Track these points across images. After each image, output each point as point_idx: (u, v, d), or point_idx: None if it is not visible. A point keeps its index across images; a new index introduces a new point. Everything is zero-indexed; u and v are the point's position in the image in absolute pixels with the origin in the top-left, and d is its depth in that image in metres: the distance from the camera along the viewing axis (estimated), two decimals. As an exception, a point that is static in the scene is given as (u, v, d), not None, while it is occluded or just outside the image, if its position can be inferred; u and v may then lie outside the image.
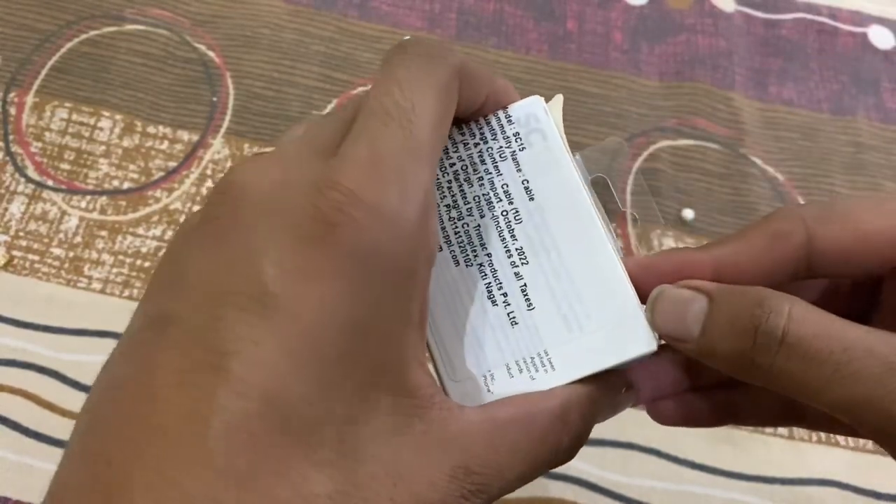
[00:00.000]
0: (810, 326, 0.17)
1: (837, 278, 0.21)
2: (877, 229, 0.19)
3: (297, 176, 0.17)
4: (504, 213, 0.21)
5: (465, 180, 0.22)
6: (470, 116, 0.22)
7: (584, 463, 0.35)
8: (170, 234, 0.39)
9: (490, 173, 0.22)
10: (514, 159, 0.22)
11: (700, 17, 0.50)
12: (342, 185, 0.16)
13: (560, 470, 0.35)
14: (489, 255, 0.21)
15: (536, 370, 0.20)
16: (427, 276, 0.18)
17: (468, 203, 0.21)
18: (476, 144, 0.22)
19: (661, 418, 0.23)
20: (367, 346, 0.16)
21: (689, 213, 0.42)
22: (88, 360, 0.35)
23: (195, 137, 0.42)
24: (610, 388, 0.21)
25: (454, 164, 0.22)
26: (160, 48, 0.45)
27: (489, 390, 0.20)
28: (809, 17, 0.51)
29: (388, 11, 0.48)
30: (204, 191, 0.40)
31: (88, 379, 0.35)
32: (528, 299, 0.21)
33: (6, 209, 0.39)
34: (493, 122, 0.22)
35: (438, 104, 0.18)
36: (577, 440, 0.20)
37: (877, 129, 0.47)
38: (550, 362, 0.20)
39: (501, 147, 0.22)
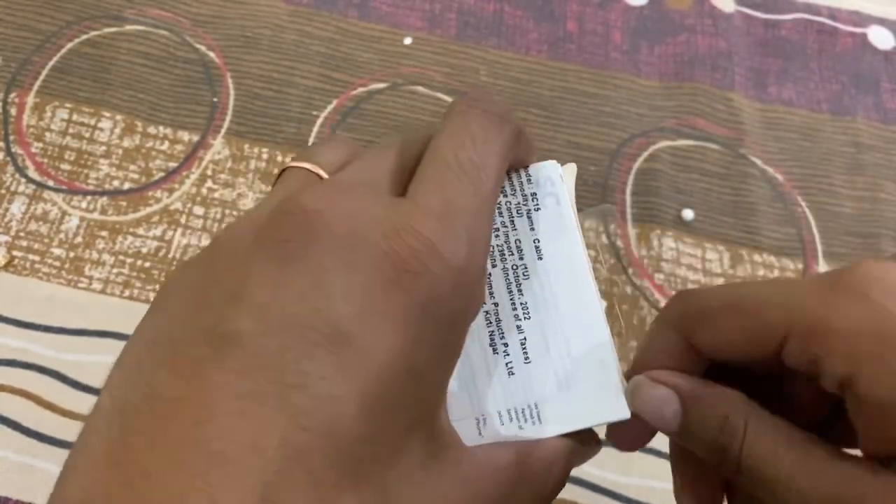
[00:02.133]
0: (761, 451, 0.19)
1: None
2: (730, 339, 0.20)
3: (371, 213, 0.17)
4: (514, 268, 0.22)
5: None
6: None
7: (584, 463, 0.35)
8: (170, 234, 0.39)
9: (506, 227, 0.23)
10: (528, 217, 0.23)
11: (700, 17, 0.50)
12: (420, 234, 0.16)
13: (560, 470, 0.35)
14: (496, 304, 0.22)
15: (525, 421, 0.22)
16: (469, 327, 0.19)
17: None
18: (498, 198, 0.23)
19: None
20: (418, 393, 0.17)
21: (688, 214, 0.42)
22: (89, 360, 0.35)
23: (195, 138, 0.42)
24: (585, 442, 0.22)
25: None
26: (161, 49, 0.45)
27: (480, 433, 0.21)
28: (809, 17, 0.51)
29: (388, 12, 0.48)
30: (204, 191, 0.41)
31: (89, 379, 0.35)
32: (525, 353, 0.22)
33: (7, 209, 0.39)
34: (515, 179, 0.23)
35: (504, 164, 0.19)
36: (557, 487, 0.21)
37: (876, 129, 0.47)
38: (539, 416, 0.22)
39: (519, 203, 0.23)
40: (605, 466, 0.35)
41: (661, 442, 0.36)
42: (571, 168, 0.24)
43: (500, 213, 0.23)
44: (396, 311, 0.16)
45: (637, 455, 0.36)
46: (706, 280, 0.41)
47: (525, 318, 0.22)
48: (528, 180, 0.23)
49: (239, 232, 0.18)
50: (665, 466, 0.36)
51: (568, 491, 0.35)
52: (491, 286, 0.22)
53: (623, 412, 0.22)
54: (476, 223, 0.18)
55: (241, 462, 0.14)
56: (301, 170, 0.19)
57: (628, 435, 0.23)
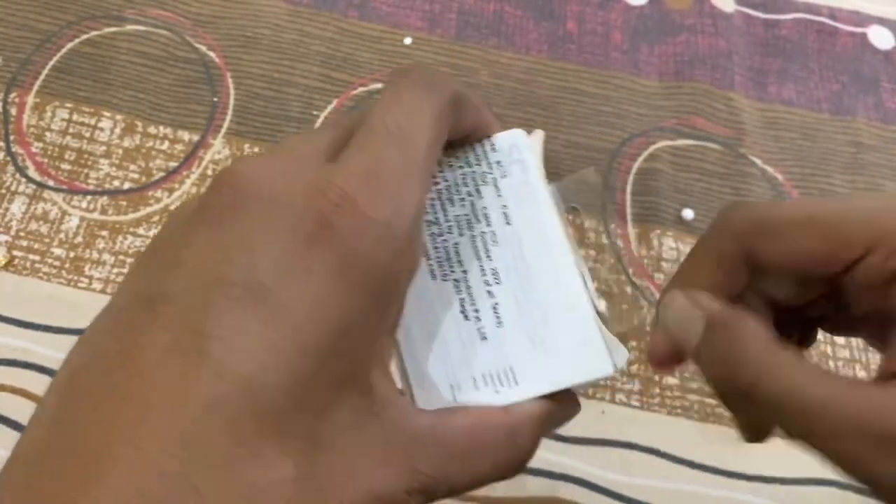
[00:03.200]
0: (782, 384, 0.19)
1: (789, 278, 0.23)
2: (807, 250, 0.21)
3: (297, 175, 0.18)
4: (482, 234, 0.23)
5: (447, 199, 0.23)
6: (458, 141, 0.23)
7: (583, 462, 0.35)
8: (170, 234, 0.39)
9: (472, 195, 0.23)
10: (495, 185, 0.23)
11: (700, 17, 0.50)
12: (342, 190, 0.17)
13: (560, 469, 0.35)
14: (465, 271, 0.22)
15: (501, 384, 0.21)
16: (406, 288, 0.19)
17: (449, 221, 0.23)
18: (461, 167, 0.23)
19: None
20: (343, 347, 0.17)
21: (688, 213, 0.42)
22: (89, 359, 0.35)
23: (196, 138, 0.42)
24: (562, 404, 0.22)
25: (439, 183, 0.23)
26: (161, 49, 0.45)
27: (454, 400, 0.21)
28: (809, 17, 0.51)
29: (389, 12, 0.48)
30: (205, 191, 0.41)
31: (89, 379, 0.35)
32: (498, 317, 0.22)
33: (7, 209, 0.39)
34: (479, 149, 0.23)
35: (434, 128, 0.19)
36: (524, 456, 0.21)
37: (876, 129, 0.47)
38: (514, 378, 0.21)
39: (484, 172, 0.23)
40: (605, 466, 0.35)
41: (661, 441, 0.36)
42: (538, 134, 0.24)
43: (466, 184, 0.23)
44: (317, 265, 0.16)
45: (637, 455, 0.36)
46: (706, 280, 0.41)
47: (496, 283, 0.22)
48: (493, 149, 0.23)
49: (184, 205, 0.19)
50: (665, 466, 0.36)
51: (568, 491, 0.35)
52: (459, 255, 0.22)
53: (606, 368, 0.22)
54: (403, 184, 0.18)
55: (164, 412, 0.15)
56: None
57: (661, 352, 0.23)
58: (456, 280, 0.22)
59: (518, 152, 0.23)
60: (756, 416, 0.21)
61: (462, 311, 0.22)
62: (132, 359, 0.16)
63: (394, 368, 0.20)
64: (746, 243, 0.22)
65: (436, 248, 0.22)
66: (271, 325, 0.16)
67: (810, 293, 0.23)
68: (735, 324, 0.21)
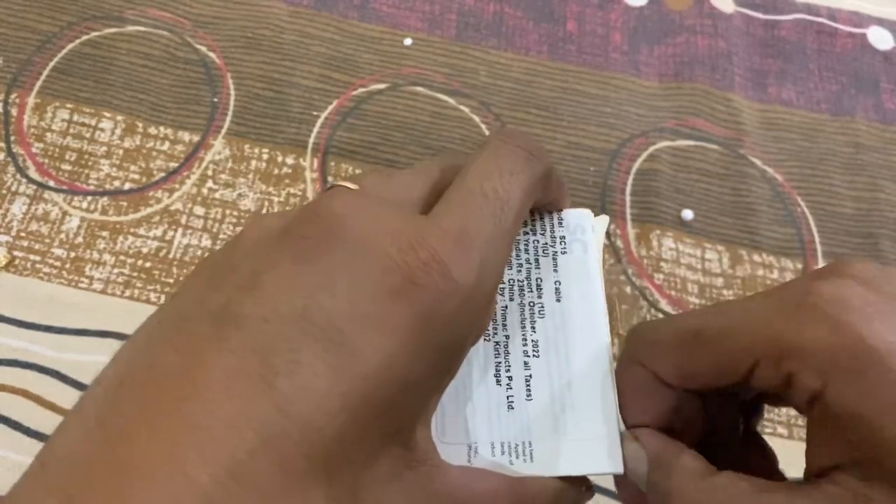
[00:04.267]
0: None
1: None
2: (698, 369, 0.21)
3: (391, 223, 0.18)
4: (531, 304, 0.23)
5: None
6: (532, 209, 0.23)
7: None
8: (170, 234, 0.39)
9: (530, 264, 0.23)
10: (553, 259, 0.23)
11: (699, 18, 0.50)
12: (434, 250, 0.17)
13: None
14: (507, 336, 0.22)
15: (517, 457, 0.22)
16: (469, 350, 0.19)
17: (503, 284, 0.23)
18: (526, 234, 0.24)
19: None
20: (401, 403, 0.17)
21: (688, 214, 0.42)
22: (90, 360, 0.35)
23: (196, 138, 0.42)
24: (574, 487, 0.22)
25: None
26: (161, 49, 0.45)
27: (469, 461, 0.21)
28: (809, 17, 0.51)
29: (389, 13, 0.48)
30: (205, 191, 0.41)
31: (90, 379, 0.35)
32: (528, 390, 0.22)
33: (8, 210, 0.39)
34: (547, 220, 0.24)
35: (528, 200, 0.20)
36: None
37: (876, 129, 0.47)
38: (531, 454, 0.22)
39: (546, 244, 0.23)
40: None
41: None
42: (604, 220, 0.24)
43: (527, 251, 0.23)
44: (396, 320, 0.16)
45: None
46: (706, 280, 0.41)
47: (534, 355, 0.22)
48: (560, 223, 0.24)
49: (267, 224, 0.18)
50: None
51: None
52: (505, 319, 0.22)
53: (617, 467, 0.22)
54: (491, 251, 0.18)
55: (217, 437, 0.14)
56: (343, 187, 0.20)
57: (631, 500, 0.23)
58: (497, 343, 0.22)
59: (582, 232, 0.24)
60: None
61: (496, 376, 0.22)
62: (192, 376, 0.15)
63: None
64: (649, 367, 0.22)
65: None
66: (341, 370, 0.16)
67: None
68: (668, 459, 0.21)
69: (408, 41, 0.47)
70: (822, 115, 0.47)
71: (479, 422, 0.22)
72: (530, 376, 0.22)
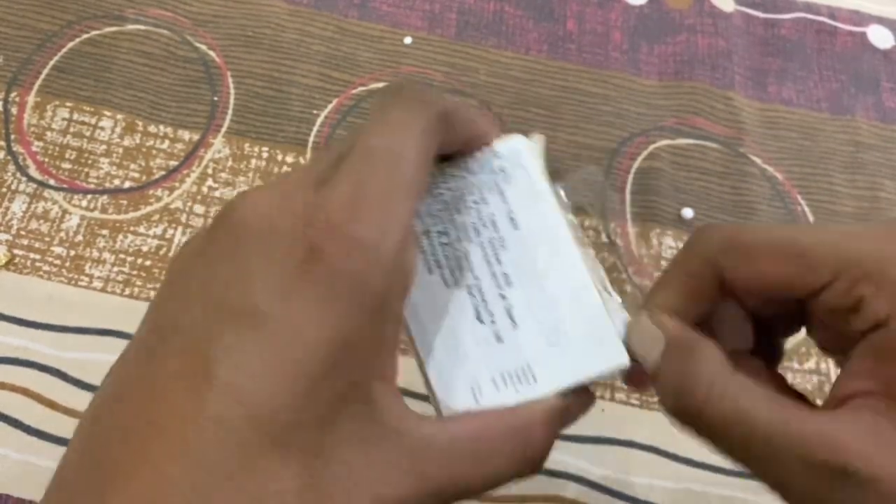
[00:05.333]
0: (721, 409, 0.20)
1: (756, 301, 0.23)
2: (775, 274, 0.22)
3: (290, 205, 0.19)
4: (491, 241, 0.23)
5: (454, 209, 0.24)
6: (457, 153, 0.24)
7: (583, 461, 0.35)
8: (170, 232, 0.39)
9: (478, 203, 0.24)
10: (500, 192, 0.24)
11: (699, 16, 0.50)
12: (329, 216, 0.18)
13: (560, 468, 0.35)
14: (477, 277, 0.23)
15: (520, 383, 0.22)
16: (401, 305, 0.20)
17: (457, 230, 0.23)
18: (464, 177, 0.24)
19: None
20: (342, 363, 0.18)
21: (688, 213, 0.42)
22: (90, 358, 0.35)
23: (196, 137, 0.42)
24: (577, 398, 0.22)
25: (443, 193, 0.24)
26: (161, 48, 0.45)
27: (477, 403, 0.22)
28: (809, 16, 0.51)
29: (389, 12, 0.48)
30: (205, 189, 0.41)
31: (90, 377, 0.35)
32: (512, 319, 0.22)
33: (8, 208, 0.39)
34: (481, 157, 0.24)
35: (425, 147, 0.20)
36: (537, 454, 0.21)
37: (876, 128, 0.47)
38: (533, 376, 0.22)
39: (488, 180, 0.24)
40: (605, 464, 0.35)
41: (660, 440, 0.36)
42: (539, 138, 0.24)
43: (471, 192, 0.23)
44: (310, 289, 0.17)
45: (638, 454, 0.36)
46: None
47: (507, 286, 0.23)
48: (495, 156, 0.24)
49: (191, 241, 0.20)
50: (665, 464, 0.36)
51: (568, 489, 0.35)
52: (470, 261, 0.23)
53: (621, 359, 0.22)
54: (389, 205, 0.19)
55: (175, 432, 0.16)
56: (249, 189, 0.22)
57: (632, 371, 0.24)
58: (469, 286, 0.23)
59: (519, 156, 0.24)
60: (706, 441, 0.21)
61: (477, 316, 0.22)
62: (147, 384, 0.17)
63: (419, 378, 0.21)
64: (716, 264, 0.22)
65: (447, 256, 0.23)
66: (268, 347, 0.17)
67: (778, 313, 0.24)
68: (691, 346, 0.21)
69: (408, 40, 0.47)
70: (823, 113, 0.47)
71: (474, 364, 0.22)
72: (510, 306, 0.22)
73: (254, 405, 0.17)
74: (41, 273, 0.38)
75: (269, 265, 0.18)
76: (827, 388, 0.39)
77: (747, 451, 0.20)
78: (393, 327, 0.20)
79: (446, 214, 0.23)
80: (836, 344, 0.23)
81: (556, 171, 0.25)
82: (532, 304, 0.22)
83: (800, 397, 0.23)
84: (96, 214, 0.39)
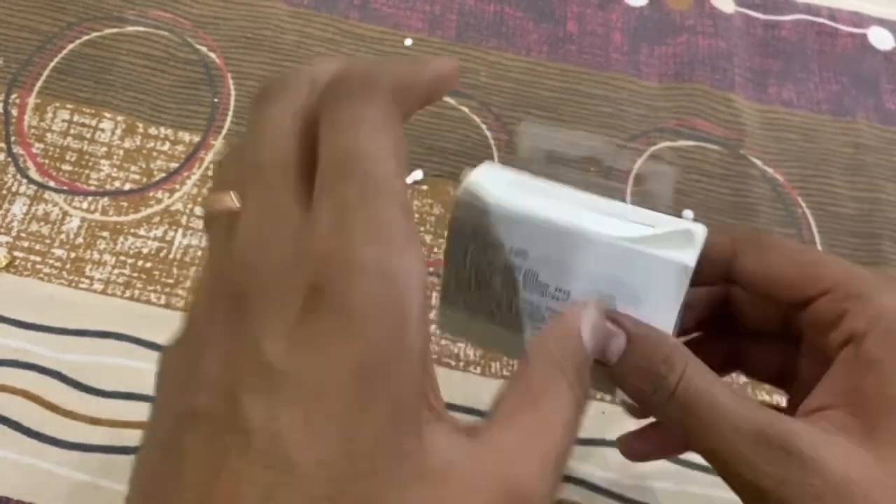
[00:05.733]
0: (698, 385, 0.22)
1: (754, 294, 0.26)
2: (781, 273, 0.24)
3: (278, 256, 0.17)
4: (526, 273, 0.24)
5: (484, 277, 0.25)
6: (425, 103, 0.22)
7: (584, 463, 0.35)
8: (171, 234, 0.39)
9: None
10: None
11: (700, 18, 0.50)
12: (319, 253, 0.17)
13: (560, 470, 0.35)
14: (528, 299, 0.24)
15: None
16: (420, 315, 0.18)
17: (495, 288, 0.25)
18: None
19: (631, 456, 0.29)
20: (374, 390, 0.16)
21: (688, 214, 0.42)
22: (90, 360, 0.35)
23: (196, 139, 0.42)
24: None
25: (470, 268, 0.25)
26: (161, 50, 0.45)
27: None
28: (809, 18, 0.51)
29: (389, 13, 0.48)
30: (206, 192, 0.41)
31: (90, 380, 0.35)
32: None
33: (8, 210, 0.39)
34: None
35: (391, 134, 0.19)
36: (579, 391, 0.21)
37: (876, 130, 0.47)
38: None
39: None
40: (605, 467, 0.35)
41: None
42: (478, 169, 0.25)
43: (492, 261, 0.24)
44: (315, 330, 0.16)
45: (637, 455, 0.36)
46: (706, 280, 0.41)
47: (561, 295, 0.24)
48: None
49: (193, 311, 0.19)
50: (666, 467, 0.36)
51: (568, 491, 0.35)
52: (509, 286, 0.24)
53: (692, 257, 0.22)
54: (374, 213, 0.17)
55: None
56: (218, 212, 0.19)
57: (640, 448, 0.26)
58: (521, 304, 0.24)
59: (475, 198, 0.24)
60: (668, 419, 0.23)
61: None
62: (189, 477, 0.16)
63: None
64: (735, 247, 0.25)
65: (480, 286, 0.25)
66: (294, 402, 0.16)
67: (767, 321, 0.27)
68: (659, 335, 0.23)
69: (408, 41, 0.47)
70: (823, 115, 0.47)
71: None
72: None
73: (295, 467, 0.15)
74: (41, 275, 0.38)
75: (272, 320, 0.17)
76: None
77: (706, 430, 0.21)
78: (416, 337, 0.17)
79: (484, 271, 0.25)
80: (807, 369, 0.25)
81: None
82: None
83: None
84: (97, 216, 0.39)
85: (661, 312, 0.23)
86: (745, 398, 0.22)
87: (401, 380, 0.17)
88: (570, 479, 0.35)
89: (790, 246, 0.25)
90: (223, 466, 0.16)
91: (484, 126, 0.44)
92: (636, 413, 0.29)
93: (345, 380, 0.16)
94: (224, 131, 0.43)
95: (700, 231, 0.23)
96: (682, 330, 0.24)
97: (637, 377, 0.23)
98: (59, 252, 0.38)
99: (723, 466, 0.21)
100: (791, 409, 0.25)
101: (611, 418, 0.36)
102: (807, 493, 0.20)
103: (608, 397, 0.37)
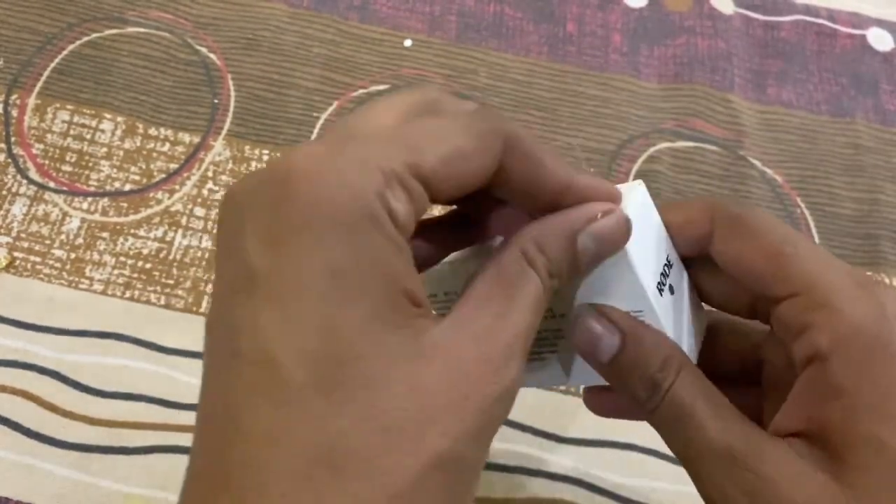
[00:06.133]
0: (685, 394, 0.21)
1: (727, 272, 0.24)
2: (753, 262, 0.22)
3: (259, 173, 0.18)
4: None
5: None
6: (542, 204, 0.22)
7: (583, 464, 0.35)
8: (171, 235, 0.39)
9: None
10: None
11: (699, 19, 0.50)
12: (289, 166, 0.18)
13: (560, 471, 0.35)
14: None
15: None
16: (383, 203, 0.18)
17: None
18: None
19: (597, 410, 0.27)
20: (354, 282, 0.17)
21: (688, 215, 0.42)
22: (90, 360, 0.35)
23: (196, 139, 0.42)
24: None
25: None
26: (162, 50, 0.45)
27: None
28: (808, 19, 0.51)
29: (389, 14, 0.48)
30: (205, 192, 0.41)
31: (90, 380, 0.35)
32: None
33: (8, 211, 0.39)
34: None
35: (537, 311, 0.20)
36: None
37: (875, 130, 0.47)
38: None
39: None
40: (604, 467, 0.35)
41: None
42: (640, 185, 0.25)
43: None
44: (284, 230, 0.17)
45: (637, 456, 0.36)
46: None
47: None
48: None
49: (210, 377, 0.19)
50: (664, 467, 0.36)
51: (568, 492, 0.35)
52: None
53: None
54: (351, 146, 0.18)
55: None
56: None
57: (604, 402, 0.25)
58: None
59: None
60: (651, 423, 0.23)
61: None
62: (202, 388, 0.18)
63: None
64: (714, 223, 0.23)
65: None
66: (272, 303, 0.17)
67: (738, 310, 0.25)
68: (654, 332, 0.22)
69: (408, 42, 0.47)
70: (822, 116, 0.48)
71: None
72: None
73: (280, 368, 0.16)
74: (42, 276, 0.38)
75: (251, 225, 0.17)
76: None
77: (681, 442, 0.22)
78: (390, 235, 0.18)
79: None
80: (777, 380, 0.24)
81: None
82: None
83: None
84: (97, 217, 0.40)
85: (631, 300, 0.22)
86: (727, 411, 0.21)
87: (379, 272, 0.17)
88: (570, 479, 0.35)
89: (770, 231, 0.22)
90: (218, 368, 0.17)
91: (483, 127, 0.44)
92: (598, 410, 0.28)
93: (319, 278, 0.17)
94: (224, 132, 0.43)
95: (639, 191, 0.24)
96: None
97: (632, 380, 0.22)
98: (59, 252, 0.38)
99: (694, 479, 0.21)
100: (759, 407, 0.24)
101: (610, 420, 0.36)
102: None
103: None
